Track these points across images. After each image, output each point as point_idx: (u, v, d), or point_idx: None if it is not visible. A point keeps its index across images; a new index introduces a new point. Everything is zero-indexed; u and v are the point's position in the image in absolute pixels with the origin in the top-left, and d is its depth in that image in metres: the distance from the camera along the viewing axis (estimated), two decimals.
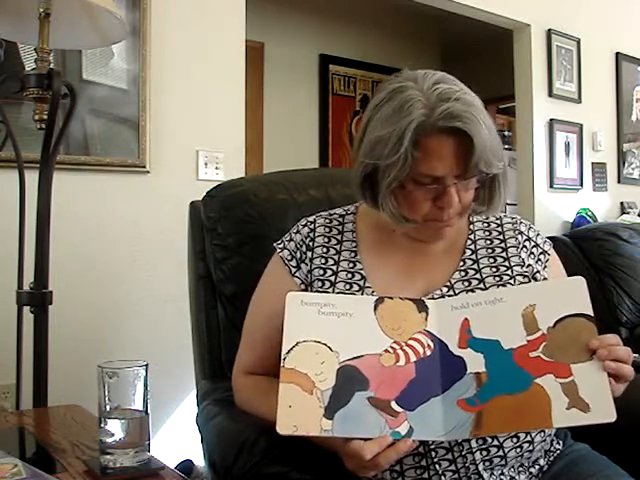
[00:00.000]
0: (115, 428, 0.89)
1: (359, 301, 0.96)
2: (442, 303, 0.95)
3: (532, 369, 0.86)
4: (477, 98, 0.98)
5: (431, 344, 0.90)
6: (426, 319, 0.92)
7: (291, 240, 1.12)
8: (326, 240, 1.10)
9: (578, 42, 3.92)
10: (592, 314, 0.88)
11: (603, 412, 0.84)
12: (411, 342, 0.90)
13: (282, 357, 0.86)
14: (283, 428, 0.82)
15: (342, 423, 0.83)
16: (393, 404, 0.86)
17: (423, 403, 0.86)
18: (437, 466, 0.93)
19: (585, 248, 2.71)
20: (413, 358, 0.89)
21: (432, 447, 0.93)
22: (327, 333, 0.89)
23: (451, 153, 0.95)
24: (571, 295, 0.90)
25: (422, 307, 0.93)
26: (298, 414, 0.83)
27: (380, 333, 0.90)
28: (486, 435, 0.92)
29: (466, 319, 0.91)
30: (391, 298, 0.94)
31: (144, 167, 2.16)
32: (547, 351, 0.87)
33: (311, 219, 1.14)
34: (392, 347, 0.90)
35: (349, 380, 0.86)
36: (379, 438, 0.83)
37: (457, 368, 0.89)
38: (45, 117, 1.47)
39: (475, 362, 0.88)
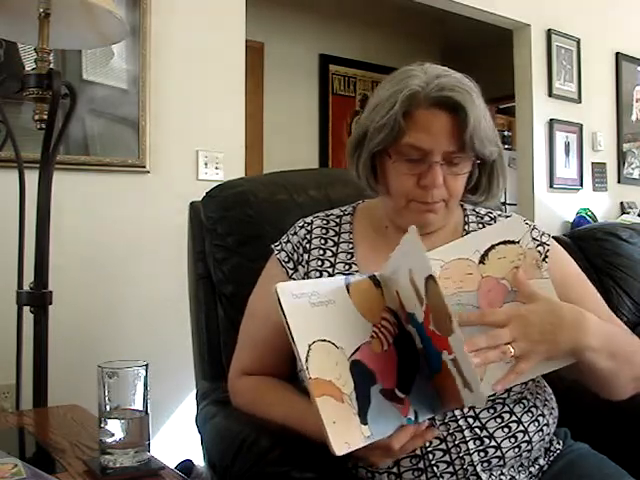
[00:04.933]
0: (115, 428, 0.89)
1: (333, 285, 0.90)
2: (384, 275, 0.90)
3: (436, 344, 0.84)
4: (475, 88, 1.00)
5: (395, 321, 0.88)
6: (382, 294, 0.89)
7: (288, 242, 1.11)
8: (323, 242, 1.09)
9: (578, 42, 3.92)
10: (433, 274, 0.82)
11: (474, 395, 0.78)
12: (383, 322, 0.88)
13: (303, 367, 0.79)
14: (339, 448, 0.76)
15: (375, 425, 0.80)
16: (397, 391, 0.84)
17: (413, 383, 0.85)
18: (435, 468, 0.93)
19: (585, 248, 2.71)
20: (390, 339, 0.87)
21: (429, 449, 0.93)
22: (327, 328, 0.84)
23: (441, 129, 0.96)
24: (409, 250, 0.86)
25: (376, 282, 0.90)
26: (343, 428, 0.79)
27: (362, 318, 0.87)
28: (448, 410, 0.91)
29: (397, 292, 0.88)
30: (353, 275, 0.91)
31: (144, 167, 2.16)
32: (434, 323, 0.83)
33: (308, 220, 1.13)
34: (374, 332, 0.87)
35: (362, 377, 0.83)
36: (405, 428, 0.81)
37: (411, 344, 0.87)
38: (45, 117, 1.47)
39: (416, 338, 0.87)
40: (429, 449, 0.93)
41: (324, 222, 1.12)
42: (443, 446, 0.93)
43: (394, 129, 0.96)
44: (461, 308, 0.88)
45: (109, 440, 0.89)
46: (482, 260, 0.90)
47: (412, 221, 1.02)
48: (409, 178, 0.99)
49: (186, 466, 2.01)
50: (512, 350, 0.82)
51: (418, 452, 0.92)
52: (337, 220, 1.13)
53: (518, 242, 0.90)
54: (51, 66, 1.49)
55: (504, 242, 0.90)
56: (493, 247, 0.90)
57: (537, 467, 1.02)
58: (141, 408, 0.90)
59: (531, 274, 0.89)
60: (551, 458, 1.04)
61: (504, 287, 0.89)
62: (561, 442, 1.08)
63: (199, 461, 2.01)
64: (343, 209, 1.16)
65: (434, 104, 0.95)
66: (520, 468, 0.99)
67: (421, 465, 0.93)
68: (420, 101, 0.96)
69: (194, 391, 1.32)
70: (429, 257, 0.88)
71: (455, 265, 0.90)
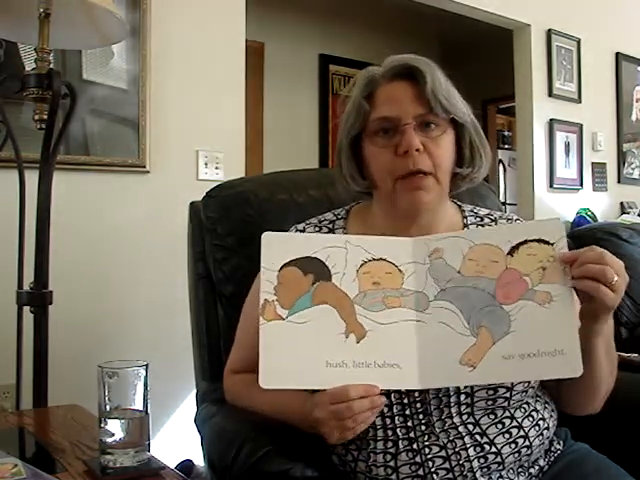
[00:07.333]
0: (115, 428, 0.89)
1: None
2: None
3: None
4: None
5: None
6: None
7: None
8: None
9: (578, 42, 3.92)
10: None
11: None
12: None
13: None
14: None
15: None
16: None
17: None
18: (434, 475, 0.92)
19: None
20: None
21: (429, 457, 0.92)
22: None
23: (405, 96, 0.99)
24: None
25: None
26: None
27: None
28: None
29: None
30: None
31: (144, 167, 2.16)
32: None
33: (300, 227, 1.11)
34: None
35: None
36: (366, 385, 0.83)
37: None
38: (45, 117, 1.47)
39: None
40: (429, 456, 0.92)
41: (316, 229, 1.10)
42: (443, 453, 0.92)
43: (360, 112, 1.00)
44: (474, 292, 0.88)
45: (109, 440, 0.89)
46: (511, 252, 0.89)
47: (405, 203, 0.99)
48: (387, 151, 0.98)
49: (186, 466, 2.00)
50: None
51: (418, 460, 0.92)
52: (330, 226, 1.10)
53: (552, 244, 0.88)
54: (51, 66, 1.49)
55: (538, 240, 0.88)
56: (526, 242, 0.89)
57: (537, 468, 1.01)
58: (141, 408, 0.90)
59: (556, 278, 0.86)
60: (551, 459, 1.04)
61: (525, 284, 0.87)
62: (561, 442, 1.07)
63: (199, 461, 2.01)
64: (336, 212, 1.13)
65: (392, 77, 1.01)
66: (520, 469, 0.98)
67: (420, 472, 0.92)
68: (378, 81, 1.01)
69: (194, 391, 1.32)
70: (459, 236, 0.92)
71: (483, 250, 0.90)
